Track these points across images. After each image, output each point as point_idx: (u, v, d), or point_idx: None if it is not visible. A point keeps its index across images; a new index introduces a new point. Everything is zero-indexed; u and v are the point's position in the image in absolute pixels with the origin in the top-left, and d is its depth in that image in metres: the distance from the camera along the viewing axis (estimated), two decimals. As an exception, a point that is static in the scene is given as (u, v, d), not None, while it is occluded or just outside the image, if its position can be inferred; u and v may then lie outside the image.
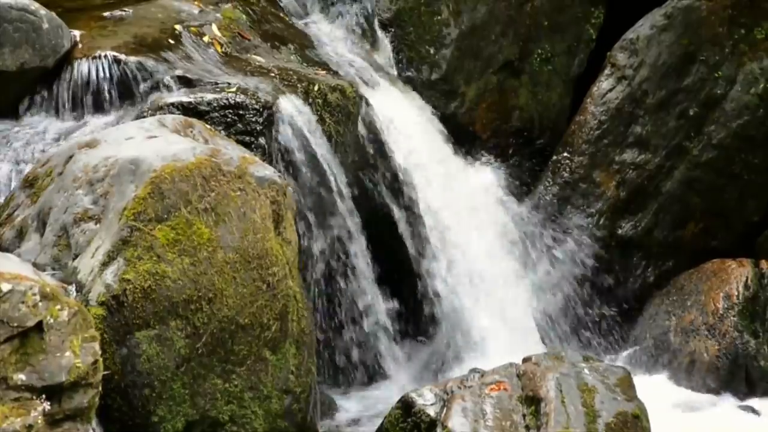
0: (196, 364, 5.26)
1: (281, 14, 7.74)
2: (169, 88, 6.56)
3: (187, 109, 6.36)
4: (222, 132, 6.29)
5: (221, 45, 7.10)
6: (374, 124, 7.23)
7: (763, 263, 7.48)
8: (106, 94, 6.58)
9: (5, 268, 4.77)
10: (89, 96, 6.59)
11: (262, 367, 5.47)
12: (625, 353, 7.64)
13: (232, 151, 5.64)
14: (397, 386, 7.03)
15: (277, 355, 5.52)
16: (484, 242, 7.58)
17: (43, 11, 6.55)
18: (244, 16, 7.39)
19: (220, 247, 5.33)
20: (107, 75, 6.59)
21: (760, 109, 7.78)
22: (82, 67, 6.60)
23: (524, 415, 5.52)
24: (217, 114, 6.43)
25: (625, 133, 7.90)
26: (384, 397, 6.89)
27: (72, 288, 5.17)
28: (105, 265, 5.16)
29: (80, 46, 6.73)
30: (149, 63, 6.66)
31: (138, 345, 5.13)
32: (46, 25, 6.52)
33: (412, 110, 7.67)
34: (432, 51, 7.96)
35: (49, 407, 4.58)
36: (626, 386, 5.73)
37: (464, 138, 7.98)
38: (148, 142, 5.54)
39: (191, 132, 5.86)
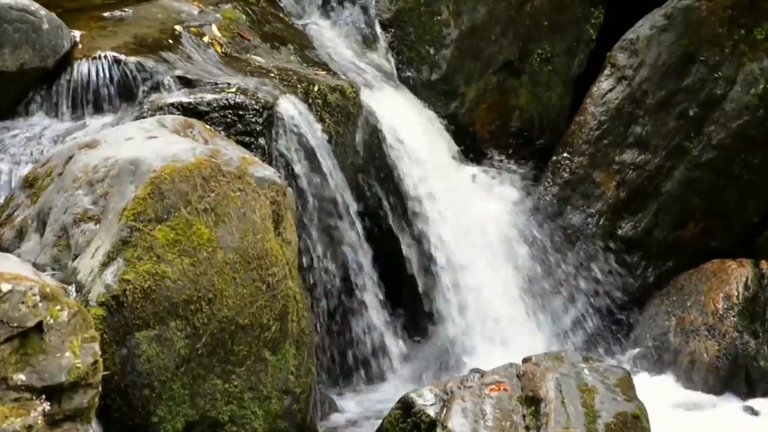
0: (196, 365, 5.27)
1: (281, 14, 7.74)
2: (169, 89, 6.56)
3: (187, 110, 6.36)
4: (222, 132, 6.29)
5: (221, 45, 7.10)
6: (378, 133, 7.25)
7: (763, 263, 7.47)
8: (106, 95, 6.59)
9: (5, 268, 4.77)
10: (89, 96, 6.59)
11: (262, 367, 5.47)
12: (624, 354, 7.63)
13: (231, 152, 5.64)
14: (397, 386, 7.03)
15: (276, 355, 5.52)
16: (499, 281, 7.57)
17: (43, 12, 6.55)
18: (243, 17, 7.39)
19: (219, 248, 5.33)
20: (107, 75, 6.59)
21: (760, 110, 7.78)
22: (82, 68, 6.60)
23: (524, 416, 5.52)
24: (216, 114, 6.43)
25: (625, 134, 7.90)
26: (384, 397, 6.89)
27: (72, 288, 5.17)
28: (105, 265, 5.17)
29: (80, 46, 6.73)
30: (149, 63, 6.66)
31: (138, 345, 5.13)
32: (46, 26, 6.52)
33: (412, 112, 7.67)
34: (432, 51, 7.96)
35: (48, 407, 4.58)
36: (626, 386, 5.73)
37: (464, 138, 7.99)
38: (147, 143, 5.54)
39: (191, 132, 5.86)
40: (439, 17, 7.99)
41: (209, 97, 6.48)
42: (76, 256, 5.29)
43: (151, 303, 5.15)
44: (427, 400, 5.63)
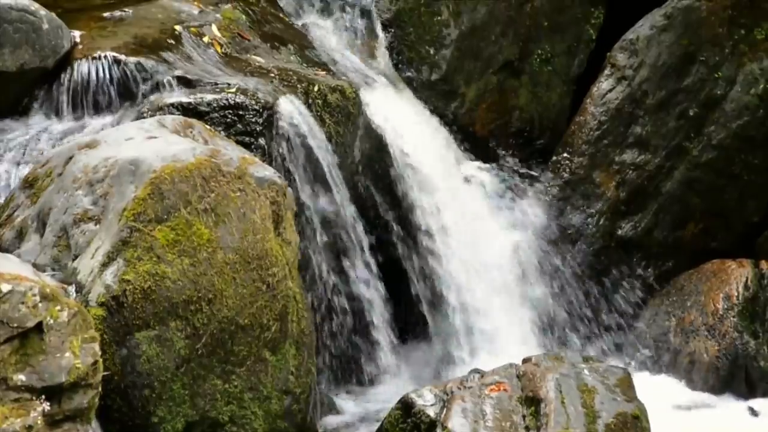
0: (196, 365, 5.27)
1: (281, 15, 7.74)
2: (169, 89, 6.56)
3: (187, 110, 6.36)
4: (222, 132, 6.29)
5: (221, 45, 7.10)
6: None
7: (763, 264, 7.47)
8: (106, 95, 6.58)
9: (5, 268, 4.77)
10: (89, 96, 6.59)
11: (262, 367, 5.47)
12: (625, 354, 7.63)
13: (231, 152, 5.64)
14: (397, 387, 7.03)
15: (276, 355, 5.52)
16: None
17: (43, 12, 6.55)
18: (243, 17, 7.39)
19: (219, 248, 5.33)
20: (107, 75, 6.59)
21: (760, 110, 7.78)
22: (82, 68, 6.60)
23: (524, 416, 5.52)
24: (216, 114, 6.43)
25: (625, 134, 7.90)
26: (384, 397, 6.89)
27: (72, 289, 5.17)
28: (105, 265, 5.17)
29: (80, 46, 6.73)
30: (149, 63, 6.66)
31: (138, 346, 5.13)
32: (46, 26, 6.52)
33: (411, 112, 7.67)
34: (432, 51, 7.96)
35: (48, 408, 4.58)
36: (626, 387, 5.73)
37: (464, 139, 7.99)
38: (147, 143, 5.54)
39: (191, 132, 5.86)
40: (439, 17, 7.99)
41: (209, 97, 6.48)
42: (76, 257, 5.29)
43: (151, 303, 5.15)
44: (427, 401, 5.63)
